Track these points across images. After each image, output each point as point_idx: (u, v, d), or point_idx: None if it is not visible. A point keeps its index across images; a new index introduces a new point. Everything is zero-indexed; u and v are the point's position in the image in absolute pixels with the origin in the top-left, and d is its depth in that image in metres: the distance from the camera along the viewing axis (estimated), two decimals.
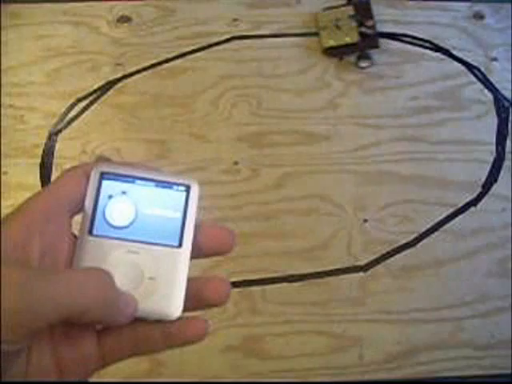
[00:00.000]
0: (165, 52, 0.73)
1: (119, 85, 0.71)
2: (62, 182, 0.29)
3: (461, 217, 0.66)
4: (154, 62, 0.73)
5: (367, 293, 0.62)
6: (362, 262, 0.64)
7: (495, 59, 0.75)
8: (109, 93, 0.71)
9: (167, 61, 0.73)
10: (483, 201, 0.67)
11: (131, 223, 0.30)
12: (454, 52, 0.76)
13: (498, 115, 0.72)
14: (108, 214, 0.30)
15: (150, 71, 0.72)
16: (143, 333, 0.29)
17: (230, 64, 0.73)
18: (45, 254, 0.27)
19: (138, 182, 0.30)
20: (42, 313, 0.23)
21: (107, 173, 0.30)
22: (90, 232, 0.29)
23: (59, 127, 0.69)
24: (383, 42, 0.75)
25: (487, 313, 0.62)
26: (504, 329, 0.61)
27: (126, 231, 0.29)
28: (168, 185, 0.31)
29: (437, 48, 0.76)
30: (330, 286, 0.62)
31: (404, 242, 0.65)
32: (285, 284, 0.62)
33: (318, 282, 0.63)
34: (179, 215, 0.30)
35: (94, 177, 0.30)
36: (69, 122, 0.69)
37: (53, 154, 0.67)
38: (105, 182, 0.30)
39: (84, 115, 0.70)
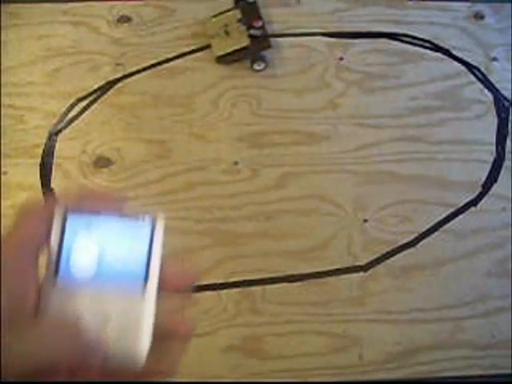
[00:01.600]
0: (165, 52, 0.73)
1: (119, 85, 0.71)
2: (23, 224, 0.28)
3: (461, 217, 0.66)
4: (153, 62, 0.73)
5: (367, 293, 0.62)
6: (362, 262, 0.64)
7: (495, 59, 0.75)
8: (109, 93, 0.71)
9: (167, 61, 0.73)
10: (483, 201, 0.67)
11: (96, 263, 0.29)
12: (454, 52, 0.76)
13: (498, 115, 0.72)
14: (72, 255, 0.29)
15: (149, 71, 0.72)
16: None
17: (229, 64, 0.73)
18: (12, 299, 0.26)
19: (102, 218, 0.29)
20: (8, 368, 0.24)
21: (70, 211, 0.29)
22: (55, 275, 0.29)
23: (59, 127, 0.69)
24: (383, 41, 0.76)
25: (487, 313, 0.62)
26: (504, 329, 0.61)
27: (91, 272, 0.29)
28: (133, 219, 0.30)
29: (437, 48, 0.76)
30: (330, 286, 0.62)
31: (404, 242, 0.65)
32: (285, 284, 0.62)
33: (318, 281, 0.63)
34: (144, 250, 0.29)
35: (58, 216, 0.29)
36: (69, 122, 0.69)
37: (53, 154, 0.67)
38: (68, 221, 0.29)
39: (84, 115, 0.70)
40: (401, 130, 0.71)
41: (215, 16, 0.74)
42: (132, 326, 0.29)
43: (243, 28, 0.71)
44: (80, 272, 0.29)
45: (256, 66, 0.72)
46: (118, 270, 0.29)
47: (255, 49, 0.72)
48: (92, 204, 0.29)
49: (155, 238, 0.30)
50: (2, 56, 0.71)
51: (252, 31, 0.70)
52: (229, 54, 0.71)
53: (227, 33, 0.71)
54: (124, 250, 0.29)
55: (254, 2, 0.73)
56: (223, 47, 0.71)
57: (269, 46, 0.72)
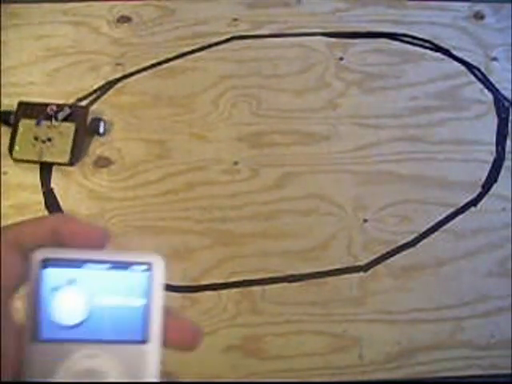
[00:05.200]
0: (165, 52, 0.73)
1: (119, 85, 0.71)
2: None
3: (461, 217, 0.66)
4: (153, 62, 0.73)
5: (367, 293, 0.62)
6: (362, 262, 0.64)
7: (495, 59, 0.75)
8: (109, 93, 0.71)
9: (167, 61, 0.73)
10: (483, 201, 0.67)
11: (85, 319, 0.25)
12: (454, 52, 0.76)
13: (498, 115, 0.72)
14: (55, 311, 0.24)
15: (149, 71, 0.72)
16: None
17: (229, 64, 0.73)
18: None
19: (88, 266, 0.25)
20: None
21: (49, 259, 0.25)
22: (36, 337, 0.24)
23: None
24: (383, 41, 0.76)
25: (487, 313, 0.62)
26: (504, 329, 0.61)
27: (79, 330, 0.24)
28: (124, 266, 0.25)
29: (437, 48, 0.76)
30: (330, 286, 0.62)
31: (404, 242, 0.65)
32: (285, 284, 0.62)
33: (318, 281, 0.63)
34: (142, 302, 0.25)
35: (34, 266, 0.24)
36: None
37: None
38: (47, 272, 0.24)
39: None
40: (401, 130, 0.71)
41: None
42: None
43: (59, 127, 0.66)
44: (65, 331, 0.24)
45: (101, 130, 0.67)
46: (111, 327, 0.25)
47: (84, 133, 0.67)
48: (74, 252, 0.25)
49: (154, 286, 0.25)
50: (2, 56, 0.71)
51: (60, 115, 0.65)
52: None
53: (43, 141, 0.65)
54: (116, 304, 0.25)
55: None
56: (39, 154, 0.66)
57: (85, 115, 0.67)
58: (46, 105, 0.67)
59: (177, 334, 0.26)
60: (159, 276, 0.25)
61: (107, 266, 0.25)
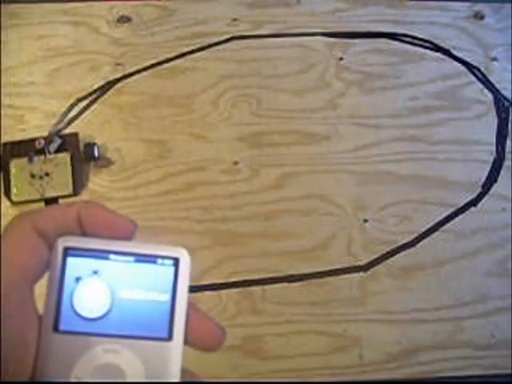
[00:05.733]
0: (165, 52, 0.73)
1: (119, 85, 0.71)
2: (8, 251, 0.22)
3: (461, 217, 0.66)
4: (153, 62, 0.73)
5: (367, 293, 0.62)
6: (362, 262, 0.64)
7: (495, 59, 0.75)
8: (109, 93, 0.71)
9: (167, 61, 0.73)
10: (483, 201, 0.67)
11: (107, 313, 0.24)
12: (454, 52, 0.76)
13: (498, 115, 0.72)
14: (77, 302, 0.24)
15: (149, 71, 0.72)
16: None
17: (229, 64, 0.73)
18: (13, 347, 0.21)
19: (113, 257, 0.24)
20: None
21: (73, 248, 0.24)
22: (56, 328, 0.23)
23: (59, 127, 0.69)
24: (383, 41, 0.76)
25: (487, 313, 0.62)
26: (504, 329, 0.61)
27: (100, 323, 0.24)
28: (150, 259, 0.25)
29: (437, 48, 0.76)
30: (330, 286, 0.62)
31: (404, 241, 0.65)
32: (285, 284, 0.62)
33: (318, 281, 0.63)
34: (167, 298, 0.24)
35: (57, 254, 0.24)
36: (69, 122, 0.69)
37: None
38: (71, 261, 0.24)
39: (84, 115, 0.70)
40: (401, 130, 0.71)
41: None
42: None
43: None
44: (86, 323, 0.24)
45: (96, 154, 0.65)
46: (135, 322, 0.24)
47: (81, 160, 0.65)
48: (99, 242, 0.24)
49: (180, 281, 0.25)
50: (2, 56, 0.71)
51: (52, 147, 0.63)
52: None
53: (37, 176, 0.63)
54: (141, 298, 0.24)
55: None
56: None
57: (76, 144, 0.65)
58: (33, 140, 0.64)
59: (200, 334, 0.25)
60: (185, 271, 0.25)
61: (132, 258, 0.24)
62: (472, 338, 0.61)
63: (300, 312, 0.61)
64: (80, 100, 0.70)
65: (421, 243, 0.65)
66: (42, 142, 0.63)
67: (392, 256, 0.64)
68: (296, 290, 0.62)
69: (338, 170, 0.68)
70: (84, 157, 0.65)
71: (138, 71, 0.72)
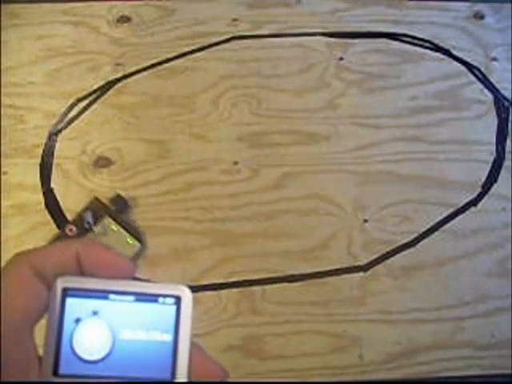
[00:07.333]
0: (165, 52, 0.73)
1: (119, 85, 0.71)
2: (7, 294, 0.22)
3: (461, 217, 0.66)
4: (153, 62, 0.73)
5: (367, 293, 0.62)
6: (362, 262, 0.64)
7: (495, 59, 0.75)
8: (109, 93, 0.71)
9: (167, 61, 0.73)
10: (483, 201, 0.67)
11: (108, 354, 0.23)
12: (454, 52, 0.76)
13: (498, 115, 0.72)
14: (76, 344, 0.23)
15: (149, 71, 0.72)
16: None
17: (229, 64, 0.73)
18: None
19: (113, 297, 0.24)
20: None
21: (72, 289, 0.23)
22: (55, 372, 0.23)
23: (59, 127, 0.69)
24: (383, 41, 0.76)
25: (487, 313, 0.62)
26: (504, 329, 0.61)
27: (101, 366, 0.23)
28: (151, 298, 0.24)
29: (437, 48, 0.76)
30: (330, 286, 0.62)
31: (404, 242, 0.65)
32: (285, 284, 0.62)
33: (318, 281, 0.63)
34: (169, 338, 0.24)
35: (56, 295, 0.23)
36: (69, 122, 0.69)
37: (53, 153, 0.67)
38: (70, 301, 0.23)
39: (84, 115, 0.70)
40: (401, 130, 0.71)
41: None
42: None
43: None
44: (87, 365, 0.23)
45: (129, 203, 0.63)
46: (136, 364, 0.23)
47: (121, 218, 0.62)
48: (98, 282, 0.23)
49: (182, 320, 0.24)
50: (2, 56, 0.71)
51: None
52: None
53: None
54: (142, 338, 0.24)
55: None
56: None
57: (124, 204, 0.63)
58: (63, 231, 0.60)
59: (203, 375, 0.24)
60: (187, 310, 0.24)
61: (133, 297, 0.24)
62: (472, 337, 0.61)
63: (300, 312, 0.61)
64: (80, 100, 0.70)
65: (421, 243, 0.65)
66: (74, 228, 0.60)
67: (392, 256, 0.64)
68: (296, 290, 0.62)
69: (338, 170, 0.68)
70: (121, 210, 0.63)
71: (138, 71, 0.72)
